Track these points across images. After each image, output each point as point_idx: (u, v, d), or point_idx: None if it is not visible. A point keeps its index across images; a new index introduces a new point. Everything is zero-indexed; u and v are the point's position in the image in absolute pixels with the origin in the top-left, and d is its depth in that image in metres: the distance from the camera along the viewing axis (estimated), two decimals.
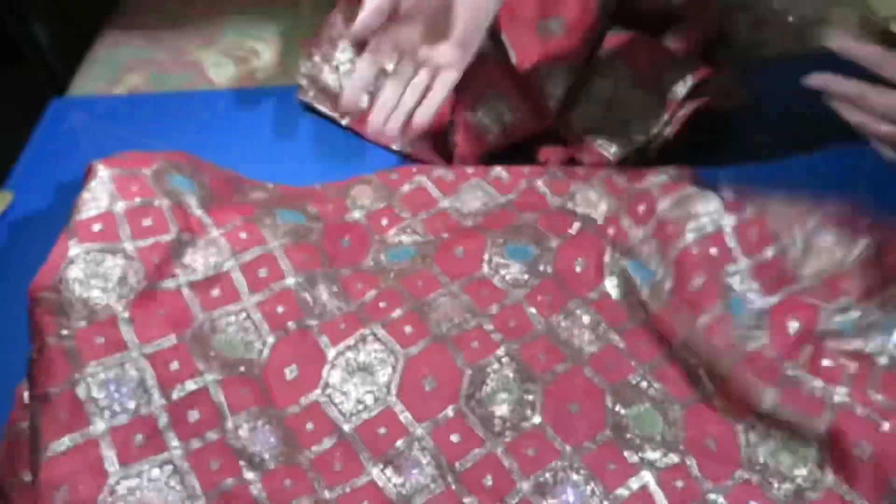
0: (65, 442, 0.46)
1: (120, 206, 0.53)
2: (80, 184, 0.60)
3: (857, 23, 0.82)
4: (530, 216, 0.60)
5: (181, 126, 0.74)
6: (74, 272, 0.50)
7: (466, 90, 0.68)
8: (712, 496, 0.45)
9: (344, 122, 0.73)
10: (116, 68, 0.82)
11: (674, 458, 0.47)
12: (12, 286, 0.61)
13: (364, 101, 0.73)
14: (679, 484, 0.45)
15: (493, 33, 0.69)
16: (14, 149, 0.72)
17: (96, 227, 0.52)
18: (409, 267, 0.58)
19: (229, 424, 0.47)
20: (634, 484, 0.45)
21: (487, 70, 0.68)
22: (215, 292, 0.53)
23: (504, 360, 0.51)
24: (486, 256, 0.57)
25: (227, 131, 0.74)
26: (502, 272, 0.56)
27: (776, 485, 0.46)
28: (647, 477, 0.46)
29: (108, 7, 0.89)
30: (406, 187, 0.64)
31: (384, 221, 0.62)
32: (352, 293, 0.56)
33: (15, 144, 0.73)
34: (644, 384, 0.50)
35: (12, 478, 0.47)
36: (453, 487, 0.46)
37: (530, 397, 0.49)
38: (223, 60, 0.83)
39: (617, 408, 0.49)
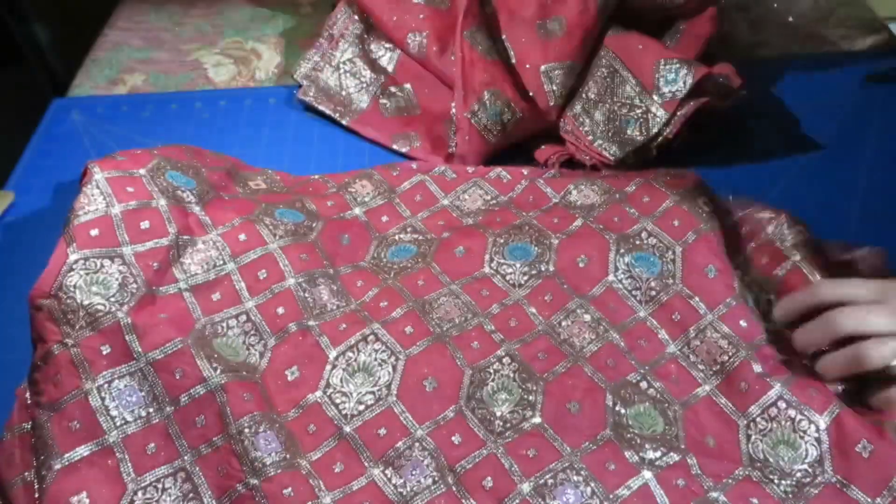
0: (80, 451, 0.47)
1: (116, 210, 0.53)
2: (80, 184, 0.60)
3: (857, 23, 0.82)
4: (531, 214, 0.60)
5: (181, 126, 0.74)
6: (74, 279, 0.49)
7: (466, 90, 0.68)
8: (713, 494, 0.45)
9: (344, 121, 0.73)
10: (116, 68, 0.82)
11: (674, 457, 0.46)
12: (13, 287, 0.61)
13: (364, 101, 0.73)
14: (680, 483, 0.45)
15: (494, 33, 0.69)
16: (14, 149, 0.72)
17: (94, 232, 0.51)
18: (409, 265, 0.58)
19: (233, 430, 0.47)
20: (635, 484, 0.45)
21: (488, 70, 0.68)
22: (216, 296, 0.53)
23: (505, 360, 0.50)
24: (487, 256, 0.57)
25: (227, 131, 0.74)
26: (503, 272, 0.56)
27: (776, 480, 0.46)
28: (647, 476, 0.46)
29: (108, 7, 0.89)
30: (406, 185, 0.64)
31: (384, 219, 0.62)
32: (352, 292, 0.56)
33: (15, 144, 0.73)
34: (644, 384, 0.50)
35: (13, 478, 0.47)
36: (454, 489, 0.46)
37: (531, 397, 0.49)
38: (223, 60, 0.83)
39: (617, 407, 0.48)
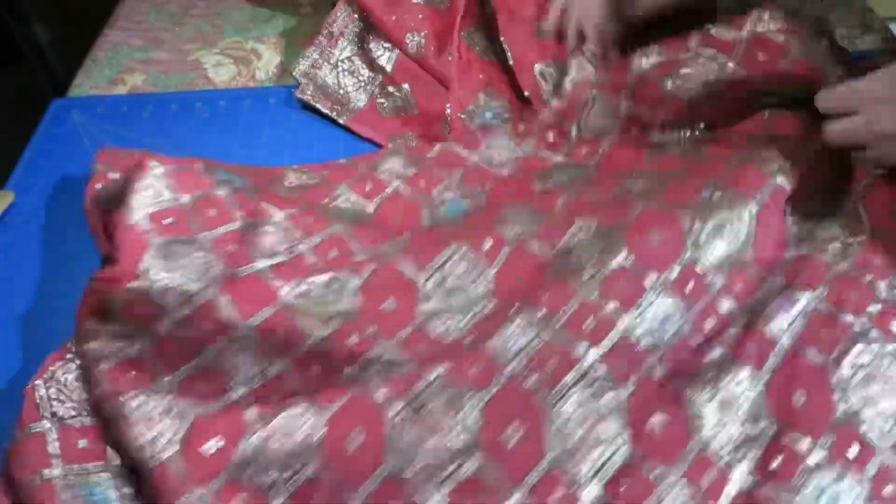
0: (209, 407, 0.48)
1: (185, 200, 0.54)
2: (80, 184, 0.60)
3: (857, 23, 0.82)
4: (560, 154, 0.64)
5: (181, 126, 0.74)
6: (159, 263, 0.50)
7: (462, 90, 0.68)
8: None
9: (341, 120, 0.73)
10: (116, 68, 0.82)
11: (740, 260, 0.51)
12: (13, 286, 0.61)
13: (361, 100, 0.73)
14: (739, 286, 0.51)
15: (492, 33, 0.69)
16: (14, 149, 0.72)
17: (168, 221, 0.53)
18: (469, 212, 0.60)
19: (348, 371, 0.49)
20: (708, 295, 0.50)
21: (485, 70, 0.68)
22: (291, 271, 0.54)
23: (581, 231, 0.53)
24: (535, 187, 0.60)
25: (227, 131, 0.74)
26: (553, 188, 0.59)
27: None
28: (717, 285, 0.50)
29: (108, 7, 0.89)
30: (432, 153, 0.66)
31: (422, 183, 0.64)
32: (426, 254, 0.57)
33: (15, 144, 0.73)
34: (717, 195, 0.52)
35: (29, 477, 0.47)
36: (552, 340, 0.48)
37: (613, 242, 0.51)
38: (223, 60, 0.83)
39: (695, 225, 0.50)
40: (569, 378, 0.47)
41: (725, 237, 0.51)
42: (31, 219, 0.66)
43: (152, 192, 0.54)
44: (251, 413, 0.47)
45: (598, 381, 0.47)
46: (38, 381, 0.50)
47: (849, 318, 0.48)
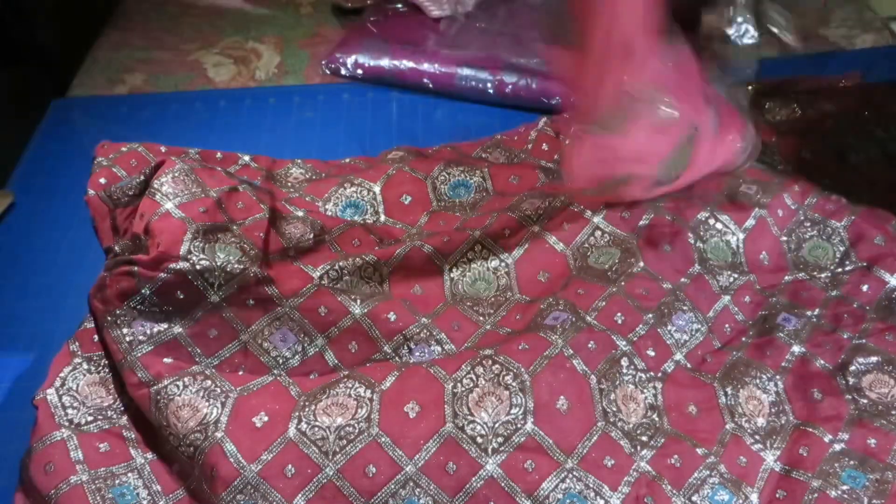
0: (252, 385, 0.50)
1: (214, 193, 0.55)
2: (80, 184, 0.60)
3: (858, 22, 0.82)
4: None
5: (181, 126, 0.74)
6: (199, 245, 0.51)
7: None
8: (773, 300, 0.56)
9: None
10: (117, 69, 0.82)
11: (742, 279, 0.56)
12: (13, 286, 0.61)
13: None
14: (746, 299, 0.56)
15: None
16: (14, 149, 0.72)
17: (201, 209, 0.53)
18: (477, 200, 0.62)
19: (386, 348, 0.51)
20: (720, 305, 0.55)
21: None
22: (318, 257, 0.56)
23: (597, 231, 0.57)
24: (539, 176, 0.63)
25: (228, 131, 0.74)
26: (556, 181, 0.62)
27: (817, 275, 0.57)
28: (726, 300, 0.55)
29: (109, 8, 0.89)
30: (432, 149, 0.69)
31: (423, 165, 0.65)
32: (443, 230, 0.60)
33: (15, 144, 0.73)
34: (712, 220, 0.57)
35: (51, 489, 0.46)
36: (590, 325, 0.50)
37: (630, 247, 0.55)
38: (223, 60, 0.83)
39: (699, 243, 0.56)
40: (606, 363, 0.49)
41: (720, 254, 0.57)
42: (31, 219, 0.66)
43: (182, 186, 0.54)
44: (296, 389, 0.49)
45: (634, 369, 0.50)
46: (49, 390, 0.50)
47: (846, 334, 0.53)
